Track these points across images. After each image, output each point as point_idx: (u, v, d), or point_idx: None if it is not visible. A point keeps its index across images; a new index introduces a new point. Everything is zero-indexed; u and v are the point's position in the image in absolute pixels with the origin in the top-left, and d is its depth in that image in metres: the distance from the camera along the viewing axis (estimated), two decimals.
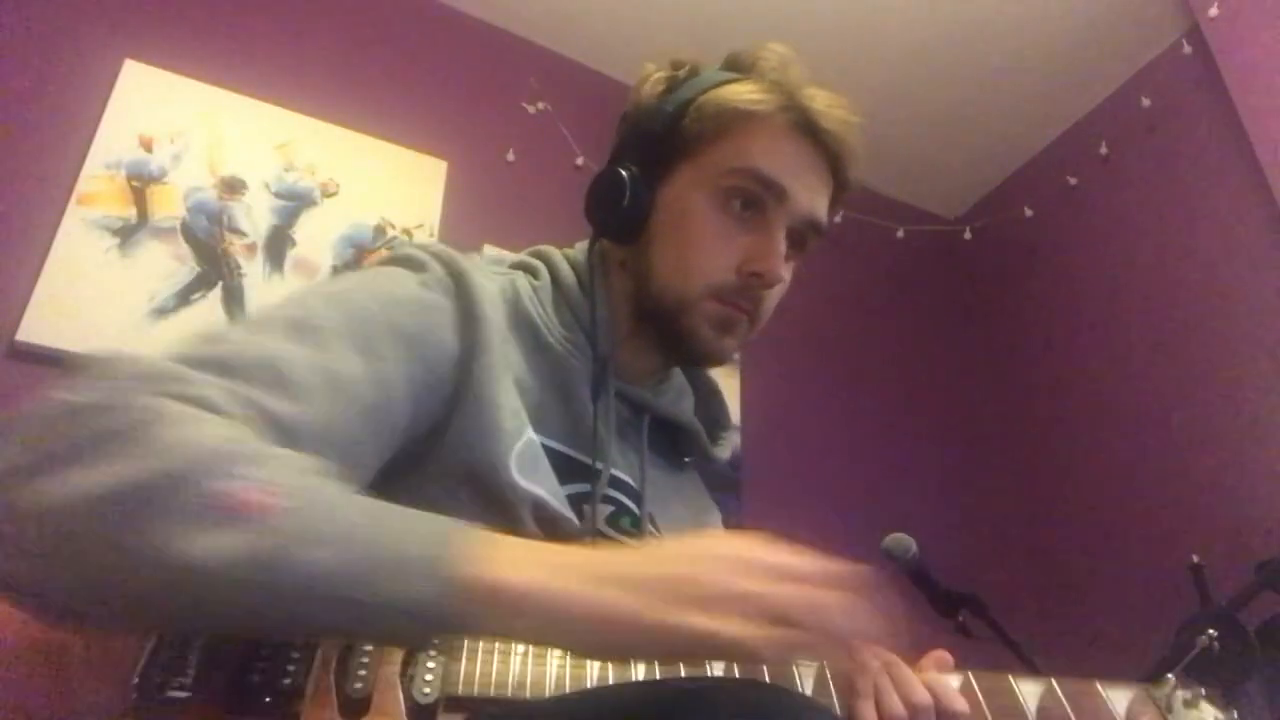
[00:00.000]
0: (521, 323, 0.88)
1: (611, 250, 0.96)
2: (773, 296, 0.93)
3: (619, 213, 0.90)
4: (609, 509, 0.88)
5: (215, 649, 0.67)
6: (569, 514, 0.82)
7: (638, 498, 0.91)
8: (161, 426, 0.53)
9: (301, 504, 0.52)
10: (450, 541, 0.53)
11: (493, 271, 0.93)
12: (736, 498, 2.39)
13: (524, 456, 0.81)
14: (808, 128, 0.90)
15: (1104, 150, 2.71)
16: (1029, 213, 2.89)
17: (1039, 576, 2.56)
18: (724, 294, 0.89)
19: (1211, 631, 0.93)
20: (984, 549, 2.60)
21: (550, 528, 0.81)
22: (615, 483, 0.90)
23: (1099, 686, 0.86)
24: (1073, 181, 2.80)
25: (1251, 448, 2.14)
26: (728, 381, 2.50)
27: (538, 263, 0.97)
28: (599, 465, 0.86)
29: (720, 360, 0.97)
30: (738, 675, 0.73)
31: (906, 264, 3.06)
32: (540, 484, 0.81)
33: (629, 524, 0.89)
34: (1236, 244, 2.30)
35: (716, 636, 0.50)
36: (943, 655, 0.82)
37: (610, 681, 0.70)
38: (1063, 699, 0.83)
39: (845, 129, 0.92)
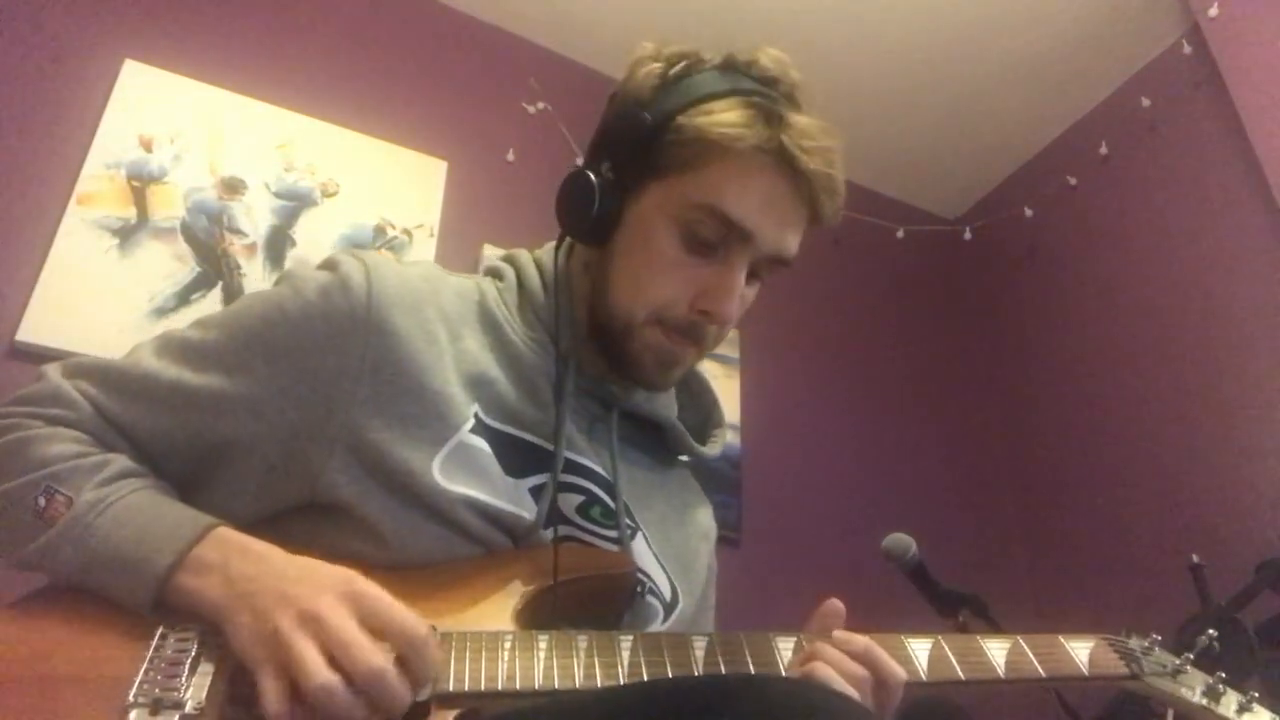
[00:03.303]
0: (487, 322, 0.91)
1: (580, 250, 0.96)
2: (725, 328, 0.92)
3: (586, 218, 0.89)
4: (579, 498, 0.89)
5: (206, 665, 0.67)
6: (516, 509, 0.83)
7: (611, 490, 0.91)
8: (28, 446, 0.78)
9: (77, 513, 0.74)
10: (164, 550, 0.71)
11: (459, 276, 0.96)
12: (737, 498, 2.39)
13: (452, 459, 0.81)
14: (785, 166, 0.86)
15: (1104, 150, 2.71)
16: (1029, 213, 2.88)
17: (1039, 576, 2.56)
18: (669, 322, 0.89)
19: (1211, 631, 0.93)
20: (984, 549, 2.60)
21: (495, 524, 0.82)
22: (586, 473, 0.90)
23: (1062, 639, 0.89)
24: (1073, 181, 2.80)
25: (1252, 448, 2.14)
26: (728, 382, 2.50)
27: (504, 266, 0.99)
28: (556, 450, 0.87)
29: (658, 390, 0.98)
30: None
31: (906, 264, 3.06)
32: (473, 484, 0.82)
33: (600, 513, 0.90)
34: (1236, 243, 2.30)
35: (241, 647, 0.67)
36: (834, 605, 0.82)
37: (596, 667, 0.71)
38: (1028, 652, 0.86)
39: (826, 168, 0.87)
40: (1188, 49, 2.47)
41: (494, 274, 0.99)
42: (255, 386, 0.81)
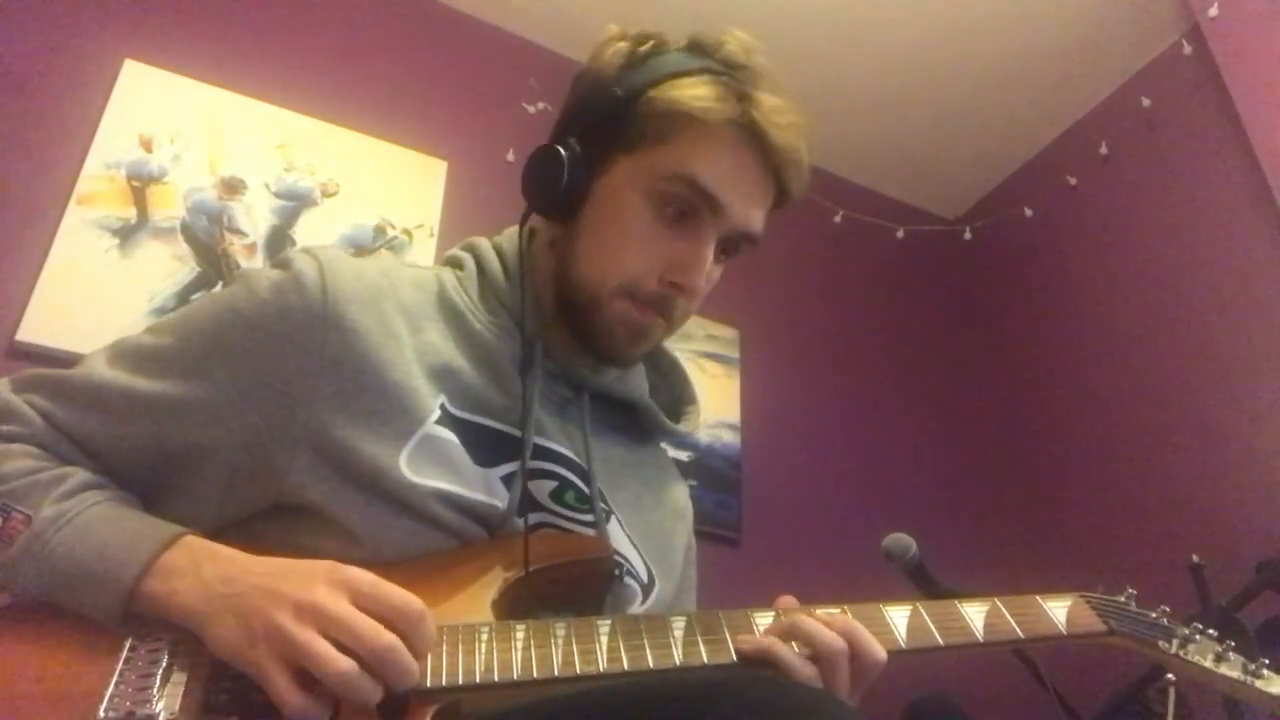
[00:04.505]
0: (448, 312, 0.90)
1: (544, 229, 0.96)
2: (692, 302, 0.92)
3: (554, 192, 0.89)
4: (552, 484, 0.88)
5: (179, 674, 0.67)
6: (488, 499, 0.82)
7: (584, 474, 0.91)
8: None
9: (37, 529, 0.72)
10: (129, 561, 0.70)
11: (416, 268, 0.96)
12: (737, 498, 2.39)
13: (419, 452, 0.80)
14: (755, 141, 0.87)
15: (1104, 150, 2.71)
16: (1029, 213, 2.89)
17: (1039, 576, 2.56)
18: (639, 295, 0.88)
19: (1211, 631, 0.93)
20: (984, 549, 2.60)
21: (468, 515, 0.82)
22: (558, 459, 0.90)
23: (1039, 599, 0.90)
24: (1073, 181, 2.80)
25: (1251, 447, 2.14)
26: (728, 382, 2.50)
27: (463, 254, 0.98)
28: (525, 437, 0.86)
29: (626, 365, 0.97)
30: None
31: (906, 264, 3.06)
32: (443, 477, 0.81)
33: (574, 498, 0.89)
34: (1236, 244, 2.30)
35: (231, 649, 0.66)
36: (788, 599, 0.83)
37: (575, 654, 0.71)
38: (1006, 614, 0.86)
39: (792, 145, 0.88)
40: (1188, 49, 2.47)
41: (453, 263, 0.98)
42: (213, 390, 0.80)
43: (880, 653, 0.77)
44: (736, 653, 0.74)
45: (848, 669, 0.75)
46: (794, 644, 0.76)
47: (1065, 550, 2.55)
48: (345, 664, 0.62)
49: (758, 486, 2.43)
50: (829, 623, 0.77)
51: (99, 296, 1.87)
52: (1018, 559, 2.64)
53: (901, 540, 1.35)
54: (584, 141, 0.90)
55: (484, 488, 0.83)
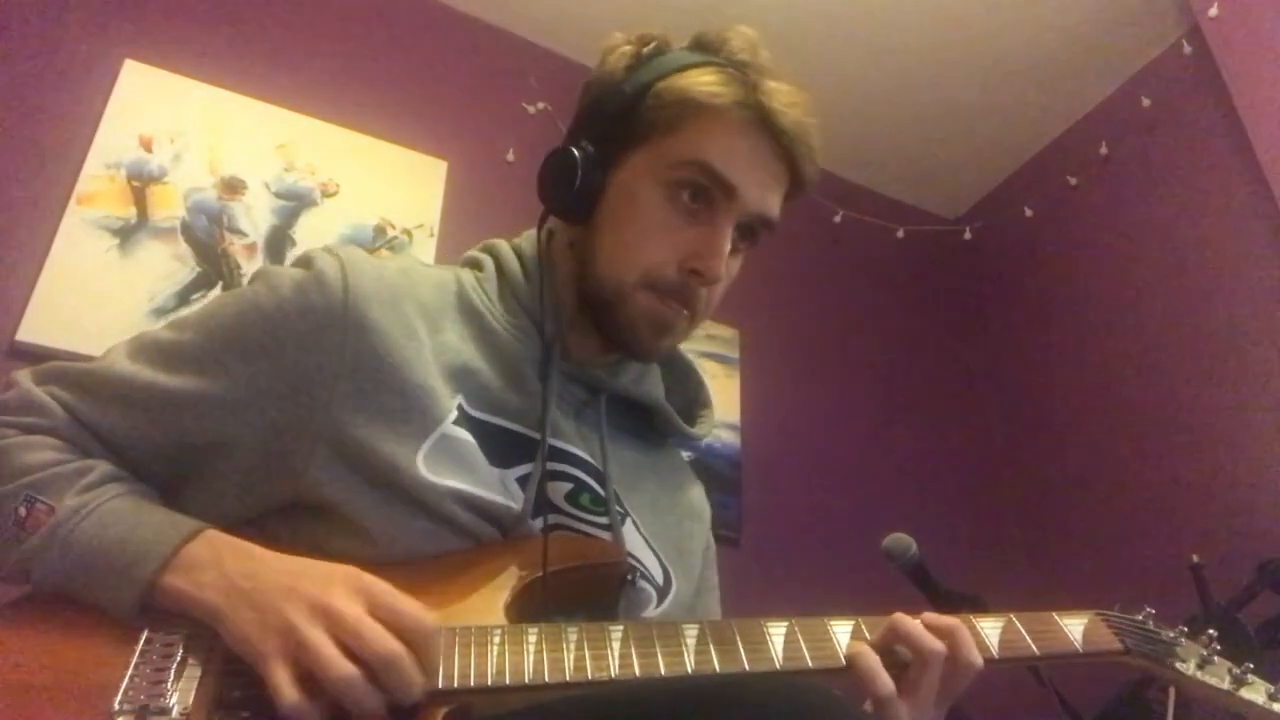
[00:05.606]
0: (467, 313, 0.90)
1: (561, 231, 0.96)
2: (715, 292, 0.93)
3: (569, 193, 0.90)
4: (567, 486, 0.88)
5: (193, 668, 0.67)
6: (503, 500, 0.83)
7: (600, 476, 0.91)
8: (4, 456, 0.77)
9: (60, 519, 0.73)
10: (150, 553, 0.71)
11: (436, 268, 0.96)
12: (737, 498, 2.39)
13: (436, 451, 0.81)
14: (765, 124, 0.88)
15: (1104, 150, 2.71)
16: (1029, 213, 2.89)
17: (1039, 576, 2.56)
18: (660, 286, 0.89)
19: (1211, 631, 0.93)
20: (984, 548, 2.60)
21: (483, 515, 0.82)
22: (574, 461, 0.90)
23: (1055, 616, 0.89)
24: (1073, 181, 2.80)
25: (1251, 448, 2.14)
26: (728, 382, 2.50)
27: (482, 255, 0.99)
28: (543, 439, 0.87)
29: (651, 359, 0.98)
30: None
31: (906, 264, 3.06)
32: (459, 477, 0.81)
33: (589, 500, 0.89)
34: (1236, 243, 2.30)
35: (244, 641, 0.67)
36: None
37: (587, 659, 0.71)
38: (1022, 630, 0.86)
39: (802, 127, 0.89)
40: (1188, 49, 2.47)
41: (472, 264, 0.98)
42: (233, 387, 0.80)
43: (976, 659, 0.78)
44: (846, 658, 0.77)
45: (940, 671, 0.76)
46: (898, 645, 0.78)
47: (1065, 549, 2.55)
48: (348, 668, 0.62)
49: (758, 486, 2.43)
50: (931, 624, 0.78)
51: (99, 296, 1.87)
52: (1018, 558, 2.64)
53: (901, 540, 1.35)
54: (596, 142, 0.91)
55: (499, 489, 0.83)
